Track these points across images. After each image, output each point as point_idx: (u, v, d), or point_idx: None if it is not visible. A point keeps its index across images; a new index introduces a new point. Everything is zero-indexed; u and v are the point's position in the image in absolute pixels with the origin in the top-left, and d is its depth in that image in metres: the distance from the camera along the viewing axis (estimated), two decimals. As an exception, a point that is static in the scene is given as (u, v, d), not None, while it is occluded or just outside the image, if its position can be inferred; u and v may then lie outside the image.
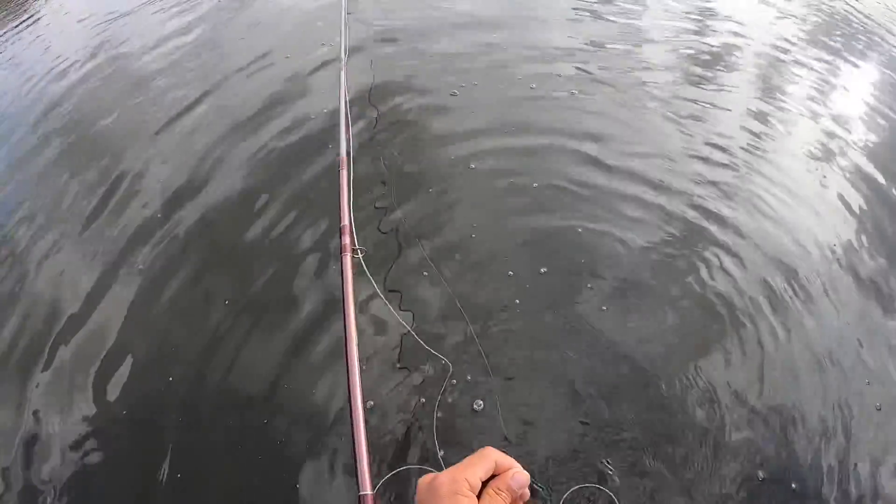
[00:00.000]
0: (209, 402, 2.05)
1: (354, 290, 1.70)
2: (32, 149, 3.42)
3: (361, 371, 1.40)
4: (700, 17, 4.49)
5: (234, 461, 1.90)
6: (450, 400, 1.94)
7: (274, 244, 2.56)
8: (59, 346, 2.26)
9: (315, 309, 2.26)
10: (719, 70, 3.82)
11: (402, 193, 2.73)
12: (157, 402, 2.07)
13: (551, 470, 1.80)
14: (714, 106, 3.42)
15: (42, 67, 4.34)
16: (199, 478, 1.87)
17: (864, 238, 2.64)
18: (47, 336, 2.31)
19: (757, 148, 3.11)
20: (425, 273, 2.36)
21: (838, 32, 4.52)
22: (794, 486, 1.80)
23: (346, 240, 1.88)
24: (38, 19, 5.44)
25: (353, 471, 1.31)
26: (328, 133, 3.12)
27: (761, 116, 3.36)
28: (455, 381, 1.98)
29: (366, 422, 1.32)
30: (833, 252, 2.54)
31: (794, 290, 2.35)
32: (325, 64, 3.76)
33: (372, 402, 1.95)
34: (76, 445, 1.98)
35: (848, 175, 3.01)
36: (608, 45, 3.96)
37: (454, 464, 0.63)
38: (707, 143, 3.10)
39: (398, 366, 2.07)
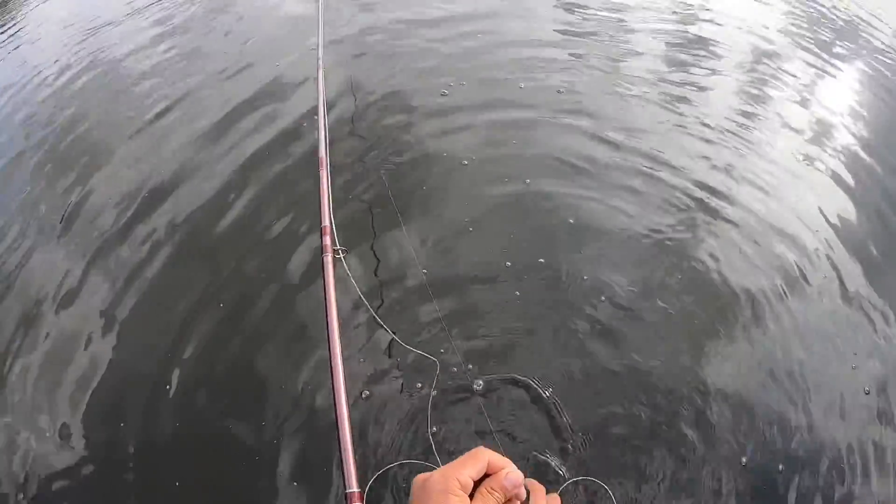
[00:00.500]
0: (193, 404, 2.04)
1: (336, 291, 1.68)
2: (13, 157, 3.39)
3: (345, 370, 1.40)
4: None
5: (218, 462, 1.90)
6: (437, 394, 1.93)
7: (253, 244, 2.56)
8: (30, 351, 2.24)
9: (298, 310, 2.25)
10: (705, 56, 3.90)
11: (385, 190, 2.71)
12: (137, 402, 2.05)
13: (542, 464, 1.80)
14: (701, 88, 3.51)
15: (21, 76, 4.30)
16: (181, 479, 1.85)
17: (857, 222, 2.71)
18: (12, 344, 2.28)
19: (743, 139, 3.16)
20: (409, 271, 2.35)
21: (825, 22, 4.62)
22: (780, 467, 1.83)
23: (327, 240, 1.85)
24: (21, 28, 5.35)
25: (340, 469, 1.30)
26: (308, 132, 3.10)
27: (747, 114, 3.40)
28: (442, 377, 1.97)
29: (350, 420, 1.31)
30: (821, 241, 2.57)
31: (785, 281, 2.39)
32: (303, 62, 3.73)
33: (368, 393, 1.97)
34: (47, 455, 1.95)
35: (842, 158, 3.08)
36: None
37: (447, 462, 0.63)
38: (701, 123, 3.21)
39: (384, 365, 2.07)
